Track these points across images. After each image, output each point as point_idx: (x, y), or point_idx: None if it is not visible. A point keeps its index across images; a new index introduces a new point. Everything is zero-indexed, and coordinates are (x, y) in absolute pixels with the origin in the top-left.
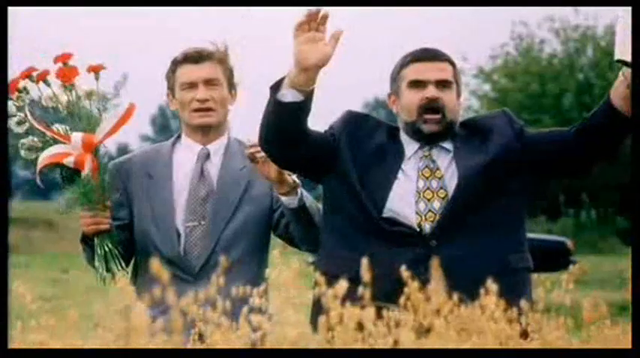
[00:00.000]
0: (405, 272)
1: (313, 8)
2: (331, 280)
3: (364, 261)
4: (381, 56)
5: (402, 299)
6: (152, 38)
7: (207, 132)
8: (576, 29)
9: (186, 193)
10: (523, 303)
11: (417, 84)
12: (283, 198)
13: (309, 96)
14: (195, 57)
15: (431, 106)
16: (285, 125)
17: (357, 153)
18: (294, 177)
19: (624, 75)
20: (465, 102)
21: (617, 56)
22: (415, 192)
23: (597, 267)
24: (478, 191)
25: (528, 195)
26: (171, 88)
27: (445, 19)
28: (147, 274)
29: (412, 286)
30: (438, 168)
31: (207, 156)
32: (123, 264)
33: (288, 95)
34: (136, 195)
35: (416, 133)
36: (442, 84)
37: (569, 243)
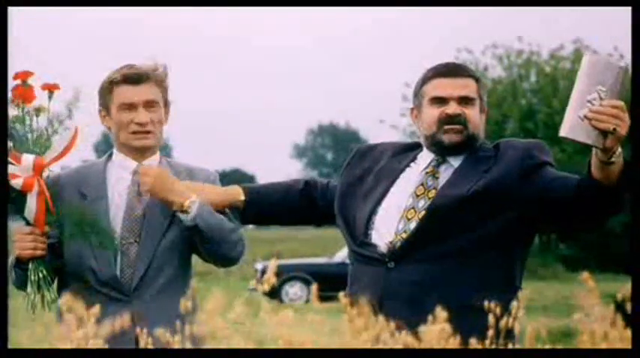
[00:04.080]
0: (343, 298)
1: None
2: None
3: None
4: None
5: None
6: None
7: (142, 151)
8: (520, 55)
9: (122, 211)
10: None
11: (439, 100)
12: (178, 214)
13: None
14: (135, 78)
15: (452, 121)
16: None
17: (354, 186)
18: (190, 200)
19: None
20: (410, 128)
21: (562, 132)
22: (400, 211)
23: (540, 293)
24: (447, 221)
25: (514, 239)
26: (105, 106)
27: (398, 45)
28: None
29: (351, 313)
30: (434, 188)
31: None
32: (55, 292)
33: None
34: (66, 215)
35: (436, 145)
36: (464, 100)
37: None
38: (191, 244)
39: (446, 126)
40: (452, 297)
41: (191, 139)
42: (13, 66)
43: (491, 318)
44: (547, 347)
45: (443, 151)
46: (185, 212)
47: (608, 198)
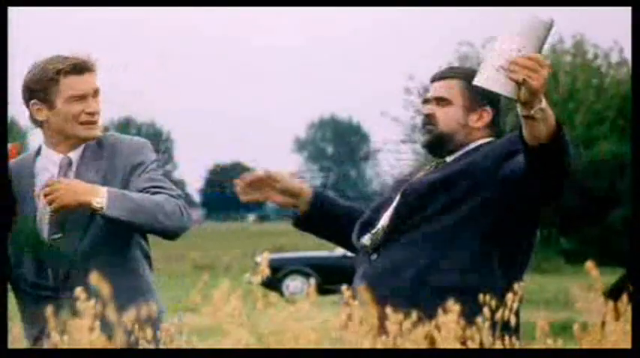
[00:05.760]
0: (346, 291)
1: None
2: None
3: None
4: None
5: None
6: None
7: (83, 142)
8: None
9: (49, 207)
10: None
11: (425, 102)
12: (96, 213)
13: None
14: (82, 67)
15: (424, 121)
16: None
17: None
18: (98, 196)
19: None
20: (411, 121)
21: (476, 81)
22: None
23: (542, 287)
24: (420, 206)
25: (489, 222)
26: (45, 99)
27: (395, 37)
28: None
29: (353, 305)
30: None
31: (69, 164)
32: None
33: None
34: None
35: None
36: (438, 101)
37: None
38: (124, 232)
39: (421, 129)
40: (428, 281)
41: (191, 138)
42: (13, 66)
43: (486, 311)
44: (549, 341)
45: (425, 151)
46: (98, 209)
47: (537, 156)
